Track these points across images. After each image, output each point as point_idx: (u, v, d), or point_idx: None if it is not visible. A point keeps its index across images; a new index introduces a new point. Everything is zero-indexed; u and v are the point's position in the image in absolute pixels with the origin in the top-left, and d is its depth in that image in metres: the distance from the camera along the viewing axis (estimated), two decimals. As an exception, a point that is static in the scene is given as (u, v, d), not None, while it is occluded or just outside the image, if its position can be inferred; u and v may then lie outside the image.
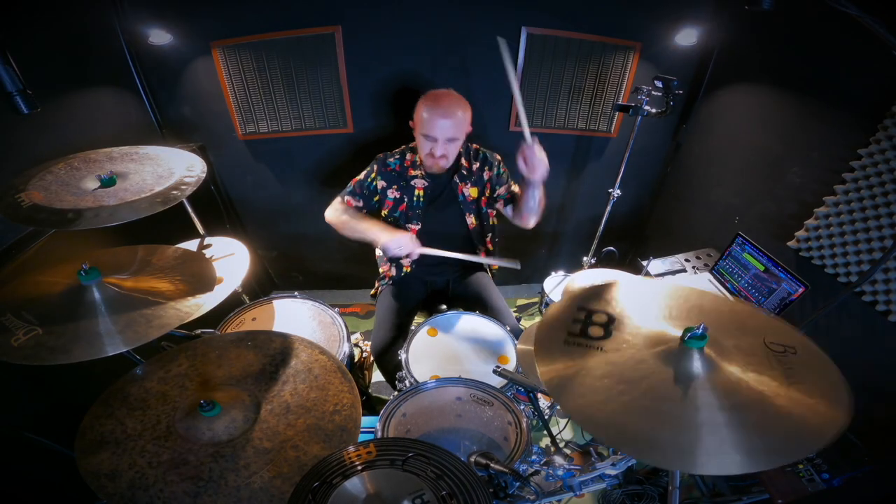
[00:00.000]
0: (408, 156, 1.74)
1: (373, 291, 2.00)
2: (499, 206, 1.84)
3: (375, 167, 1.74)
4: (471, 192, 1.78)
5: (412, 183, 1.72)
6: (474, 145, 1.81)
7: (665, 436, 0.72)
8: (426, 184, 1.72)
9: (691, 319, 0.93)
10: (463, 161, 1.75)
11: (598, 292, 1.03)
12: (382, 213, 1.80)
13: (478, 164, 1.78)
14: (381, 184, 1.74)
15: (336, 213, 1.74)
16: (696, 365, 0.81)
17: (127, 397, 1.02)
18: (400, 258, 1.60)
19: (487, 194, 1.82)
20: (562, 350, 0.89)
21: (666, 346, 0.86)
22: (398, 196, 1.74)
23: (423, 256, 1.80)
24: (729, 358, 0.84)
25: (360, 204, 1.75)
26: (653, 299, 1.01)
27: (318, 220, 2.60)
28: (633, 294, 1.03)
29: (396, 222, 1.78)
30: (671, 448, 0.71)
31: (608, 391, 0.79)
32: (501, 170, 1.80)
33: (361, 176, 1.75)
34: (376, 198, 1.77)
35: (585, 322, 0.94)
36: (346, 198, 1.75)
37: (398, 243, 1.58)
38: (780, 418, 0.74)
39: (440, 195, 1.77)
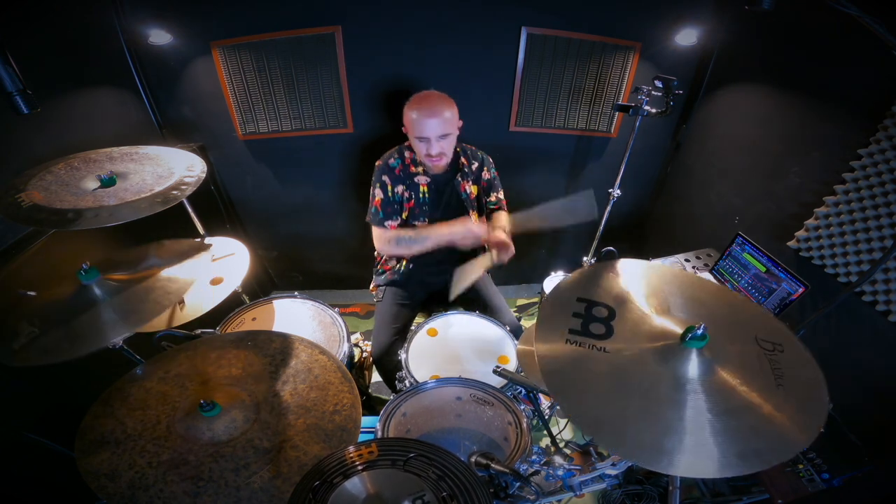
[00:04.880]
0: (406, 154, 1.74)
1: (372, 288, 2.00)
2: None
3: (386, 178, 1.70)
4: (472, 189, 1.81)
5: (416, 180, 1.73)
6: (471, 146, 1.84)
7: (651, 435, 0.74)
8: (429, 179, 1.73)
9: (690, 310, 0.95)
10: (462, 160, 1.78)
11: (597, 279, 1.03)
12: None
13: (476, 164, 1.82)
14: (396, 189, 1.72)
15: (390, 244, 1.72)
16: (693, 367, 0.82)
17: (127, 397, 1.02)
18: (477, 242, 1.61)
19: (483, 195, 1.86)
20: (562, 350, 0.89)
21: (665, 343, 0.86)
22: (407, 195, 1.74)
23: (420, 256, 1.79)
24: (724, 361, 0.85)
25: (399, 221, 1.74)
26: (651, 289, 1.01)
27: (318, 220, 2.63)
28: (631, 281, 1.03)
29: (405, 222, 1.77)
30: (657, 448, 0.73)
31: (609, 391, 0.80)
32: (495, 174, 1.84)
33: (379, 194, 1.71)
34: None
35: (586, 317, 0.94)
36: (388, 223, 1.71)
37: (465, 233, 1.59)
38: (762, 424, 0.76)
39: (444, 192, 1.77)
